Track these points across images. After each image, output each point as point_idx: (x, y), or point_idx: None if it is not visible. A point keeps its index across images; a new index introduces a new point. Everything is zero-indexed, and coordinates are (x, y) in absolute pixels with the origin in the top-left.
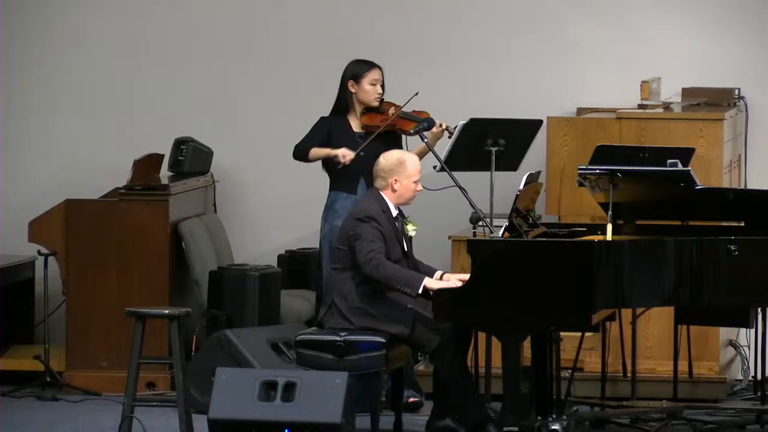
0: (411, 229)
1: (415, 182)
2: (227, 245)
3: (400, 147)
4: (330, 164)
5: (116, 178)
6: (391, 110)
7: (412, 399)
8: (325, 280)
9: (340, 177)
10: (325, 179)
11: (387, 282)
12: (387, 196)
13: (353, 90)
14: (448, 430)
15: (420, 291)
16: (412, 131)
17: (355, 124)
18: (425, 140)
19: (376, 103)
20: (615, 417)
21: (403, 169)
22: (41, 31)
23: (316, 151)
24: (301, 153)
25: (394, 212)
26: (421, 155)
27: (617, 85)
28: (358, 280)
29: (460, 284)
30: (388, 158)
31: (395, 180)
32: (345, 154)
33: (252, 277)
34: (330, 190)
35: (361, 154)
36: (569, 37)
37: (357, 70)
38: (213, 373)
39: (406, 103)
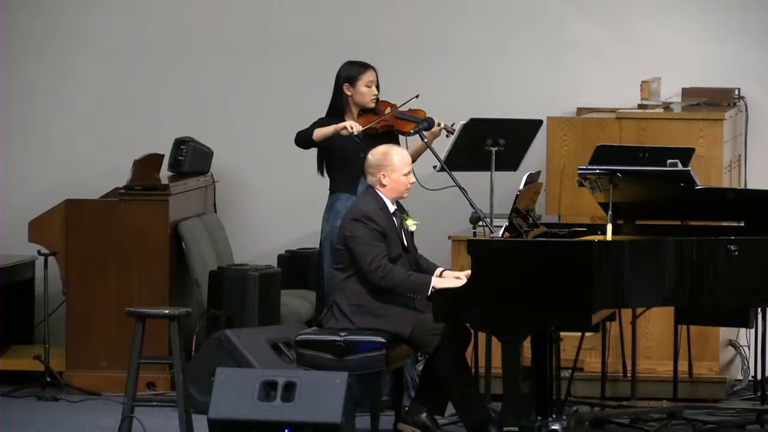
0: (411, 224)
1: (405, 175)
2: (227, 245)
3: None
4: (331, 164)
5: (116, 178)
6: (388, 110)
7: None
8: (326, 281)
9: (341, 178)
10: (325, 179)
11: (394, 290)
12: (381, 192)
13: (349, 93)
14: (422, 426)
15: (429, 294)
16: (411, 131)
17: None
18: (425, 140)
19: (372, 105)
20: (615, 417)
21: (390, 163)
22: (41, 31)
23: (320, 131)
24: (305, 136)
25: (392, 208)
26: (418, 153)
27: (617, 85)
28: (358, 279)
29: (463, 281)
30: (374, 153)
31: (383, 174)
32: (352, 125)
33: (252, 277)
34: (330, 192)
35: (375, 126)
36: (569, 37)
37: (351, 72)
38: (213, 373)
39: (403, 104)
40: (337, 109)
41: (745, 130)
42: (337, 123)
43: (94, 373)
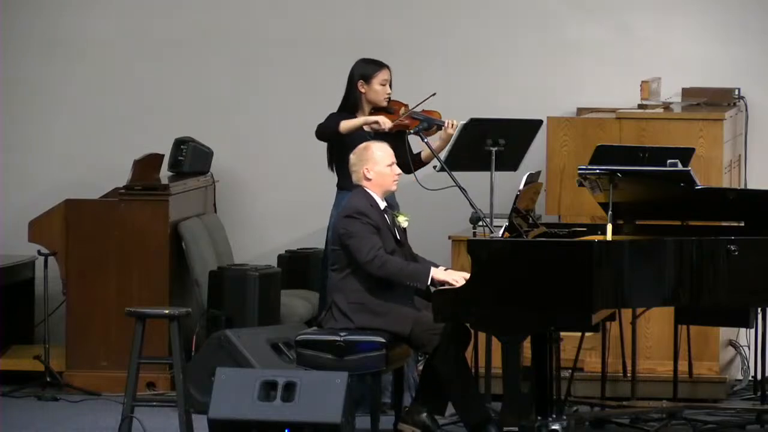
0: (403, 221)
1: (389, 166)
2: (227, 245)
3: (404, 147)
4: (341, 161)
5: (116, 178)
6: (402, 110)
7: None
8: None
9: (348, 175)
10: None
11: (393, 279)
12: (370, 189)
13: (363, 90)
14: (422, 426)
15: (428, 283)
16: (412, 131)
17: None
18: (425, 140)
19: (384, 103)
20: (615, 417)
21: (370, 156)
22: (41, 31)
23: (347, 123)
24: (328, 129)
25: (382, 205)
26: (430, 157)
27: (617, 85)
28: (357, 277)
29: (462, 282)
30: (355, 152)
31: (366, 169)
32: (384, 121)
33: (252, 277)
34: (338, 189)
35: (404, 122)
36: (569, 37)
37: (367, 70)
38: (213, 373)
39: (417, 105)
40: (350, 106)
41: (745, 130)
42: (350, 119)
43: (94, 373)
